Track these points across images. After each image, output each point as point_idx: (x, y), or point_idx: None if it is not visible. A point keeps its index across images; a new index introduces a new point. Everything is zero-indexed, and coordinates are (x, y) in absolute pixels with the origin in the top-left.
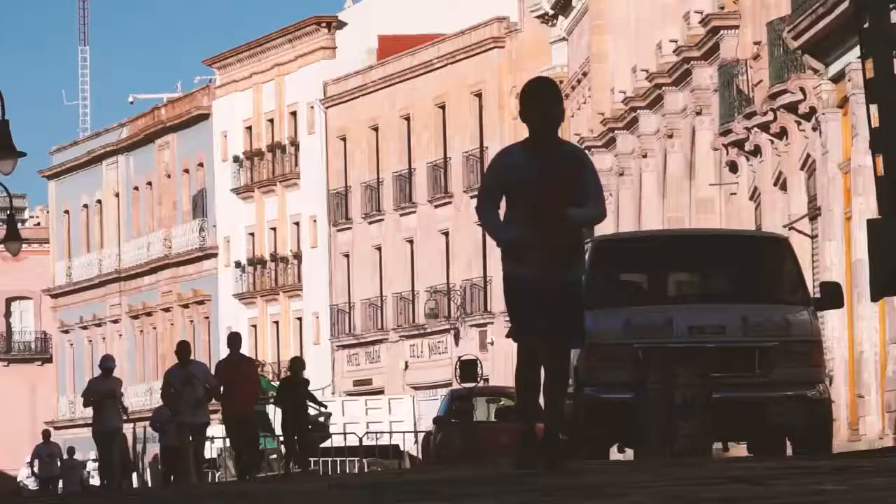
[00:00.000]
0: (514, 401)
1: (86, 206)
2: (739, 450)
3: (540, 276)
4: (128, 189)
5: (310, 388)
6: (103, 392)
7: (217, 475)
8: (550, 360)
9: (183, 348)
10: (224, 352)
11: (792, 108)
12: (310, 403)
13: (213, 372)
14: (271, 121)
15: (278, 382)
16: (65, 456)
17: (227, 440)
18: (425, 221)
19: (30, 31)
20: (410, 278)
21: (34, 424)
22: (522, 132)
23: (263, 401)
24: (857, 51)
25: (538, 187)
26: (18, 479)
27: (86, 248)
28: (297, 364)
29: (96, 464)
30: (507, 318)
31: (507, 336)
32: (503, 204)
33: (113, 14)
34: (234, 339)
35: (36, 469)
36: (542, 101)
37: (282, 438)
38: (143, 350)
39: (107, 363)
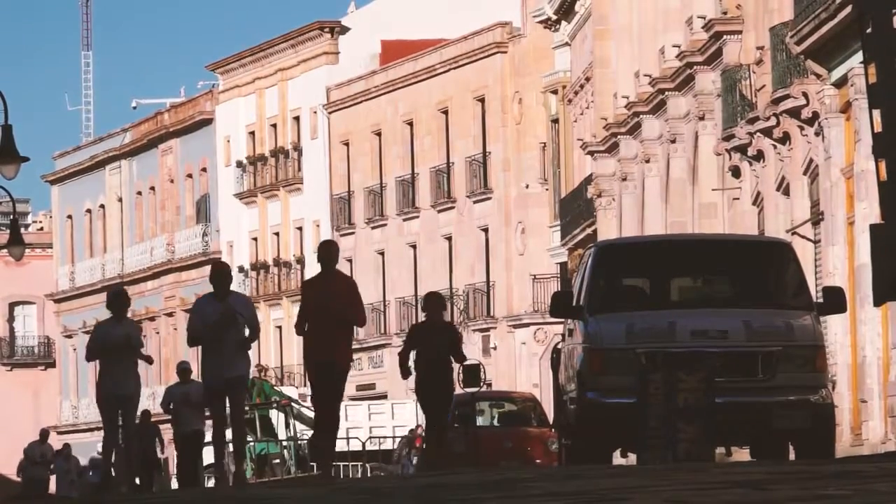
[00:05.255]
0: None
1: (89, 210)
2: (742, 454)
3: None
4: (131, 194)
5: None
6: (112, 340)
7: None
8: None
9: (222, 273)
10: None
11: (795, 112)
12: (456, 364)
13: (301, 293)
14: (274, 126)
15: (407, 330)
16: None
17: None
18: (428, 226)
19: (33, 36)
20: (413, 283)
21: (37, 429)
22: (525, 137)
23: (266, 405)
24: (859, 56)
25: None
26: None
27: (89, 253)
28: (434, 302)
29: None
30: (522, 321)
31: None
32: None
33: (116, 19)
34: (327, 250)
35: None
36: None
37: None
38: None
39: (115, 293)
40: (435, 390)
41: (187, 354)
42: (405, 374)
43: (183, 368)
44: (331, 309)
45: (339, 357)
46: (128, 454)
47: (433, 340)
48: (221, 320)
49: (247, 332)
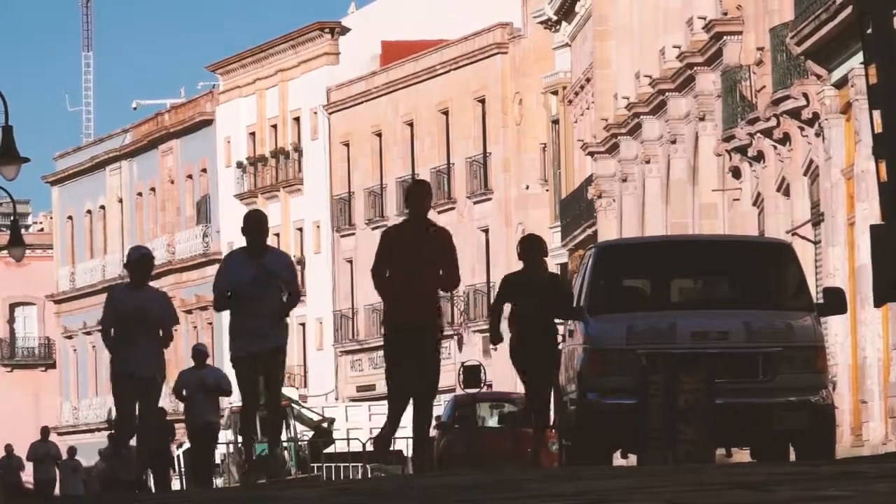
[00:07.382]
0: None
1: (89, 211)
2: (743, 455)
3: None
4: (131, 195)
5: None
6: (126, 313)
7: (219, 482)
8: None
9: (257, 222)
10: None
11: (795, 113)
12: (560, 324)
13: (379, 244)
14: (275, 126)
15: (499, 281)
16: (64, 457)
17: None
18: None
19: (33, 36)
20: None
21: (38, 430)
22: (525, 138)
23: None
24: (860, 56)
25: None
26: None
27: (89, 254)
28: (532, 246)
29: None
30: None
31: None
32: None
33: (116, 20)
34: (416, 192)
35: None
36: None
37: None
38: None
39: (136, 254)
40: (535, 357)
41: (193, 345)
42: (495, 338)
43: (198, 351)
44: (422, 268)
45: (426, 319)
46: (139, 448)
47: (533, 293)
48: (254, 282)
49: (285, 297)
